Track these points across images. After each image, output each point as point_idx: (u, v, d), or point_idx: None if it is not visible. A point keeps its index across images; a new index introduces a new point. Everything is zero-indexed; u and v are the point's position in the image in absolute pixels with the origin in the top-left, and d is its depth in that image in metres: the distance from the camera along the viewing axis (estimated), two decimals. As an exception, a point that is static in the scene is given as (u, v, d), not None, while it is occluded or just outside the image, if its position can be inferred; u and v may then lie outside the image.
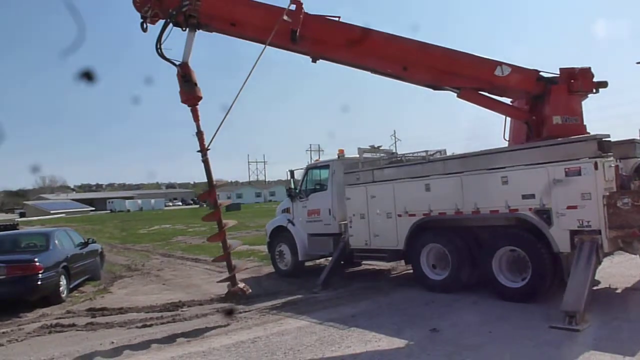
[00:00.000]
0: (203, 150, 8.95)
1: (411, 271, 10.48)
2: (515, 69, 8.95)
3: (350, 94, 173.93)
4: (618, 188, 7.69)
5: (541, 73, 9.01)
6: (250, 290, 9.28)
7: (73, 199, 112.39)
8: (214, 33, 9.77)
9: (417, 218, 9.77)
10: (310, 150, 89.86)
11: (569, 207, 7.62)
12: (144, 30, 9.46)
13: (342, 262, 11.86)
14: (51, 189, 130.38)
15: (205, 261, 16.54)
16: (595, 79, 8.89)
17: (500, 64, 8.92)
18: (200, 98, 9.11)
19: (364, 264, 13.16)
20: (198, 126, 8.98)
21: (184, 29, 9.31)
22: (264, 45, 8.85)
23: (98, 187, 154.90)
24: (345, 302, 9.38)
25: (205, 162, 9.00)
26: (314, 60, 9.56)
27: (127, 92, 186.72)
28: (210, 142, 8.92)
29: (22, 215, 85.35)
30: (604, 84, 8.93)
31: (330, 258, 11.68)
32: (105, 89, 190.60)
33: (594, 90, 8.90)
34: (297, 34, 8.79)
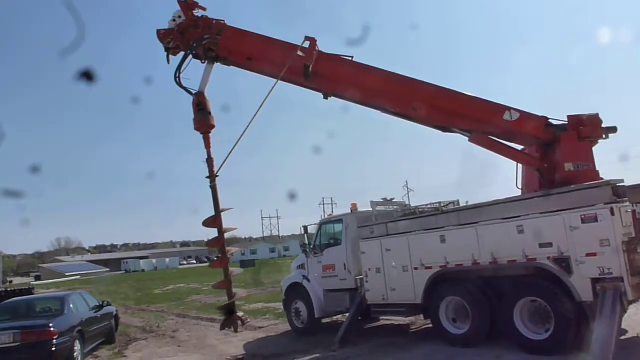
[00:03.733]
0: (212, 177, 9.22)
1: (431, 326, 10.23)
2: (524, 114, 9.03)
3: (359, 146, 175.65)
4: (637, 233, 7.58)
5: (550, 120, 9.08)
6: (249, 321, 9.21)
7: (88, 261, 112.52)
8: (231, 67, 10.27)
9: (433, 271, 9.62)
10: (324, 204, 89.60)
11: (588, 255, 7.49)
12: (168, 62, 10.07)
13: (359, 318, 11.62)
14: (67, 251, 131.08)
15: (221, 320, 16.26)
16: (604, 125, 8.93)
17: (509, 109, 9.01)
18: (213, 126, 9.51)
19: (382, 319, 12.87)
20: (209, 153, 9.32)
21: (203, 61, 9.89)
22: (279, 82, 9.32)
23: (113, 248, 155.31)
24: (365, 360, 9.13)
25: (213, 188, 9.23)
26: (325, 97, 9.86)
27: (142, 151, 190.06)
28: (219, 169, 9.27)
29: (37, 278, 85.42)
30: (613, 130, 8.95)
31: (347, 314, 11.46)
32: (118, 148, 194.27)
33: (604, 136, 8.92)
34: (310, 70, 9.18)
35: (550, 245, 7.91)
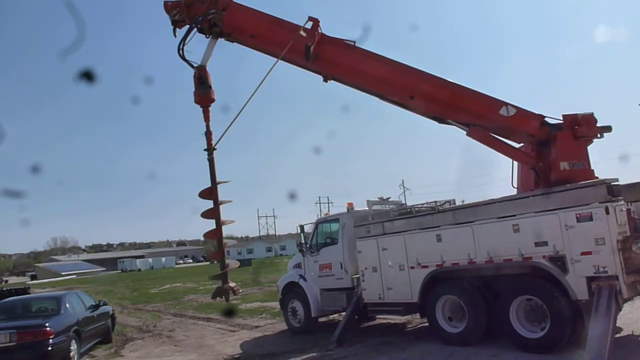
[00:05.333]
0: (210, 149, 9.30)
1: (427, 324, 10.26)
2: (521, 111, 9.05)
3: (355, 145, 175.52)
4: (632, 232, 7.62)
5: (546, 119, 9.10)
6: (241, 290, 9.25)
7: (84, 260, 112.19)
8: (234, 43, 10.43)
9: (430, 269, 9.64)
10: (320, 203, 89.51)
11: (583, 253, 7.53)
12: (175, 35, 10.23)
13: (356, 317, 11.64)
14: (63, 250, 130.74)
15: (217, 320, 16.31)
16: (598, 124, 8.96)
17: (506, 104, 9.03)
18: (213, 100, 9.65)
19: (379, 318, 12.90)
20: (208, 126, 9.45)
21: (207, 36, 10.10)
22: (282, 62, 9.58)
23: (109, 247, 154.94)
24: (361, 359, 9.13)
25: (211, 160, 9.31)
26: (325, 80, 9.98)
27: (138, 151, 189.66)
28: (217, 142, 9.33)
29: (33, 277, 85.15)
30: (607, 129, 8.99)
31: (344, 313, 11.48)
32: (114, 147, 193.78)
33: (599, 135, 8.96)
34: (311, 51, 9.32)
35: (545, 244, 7.95)
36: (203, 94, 9.60)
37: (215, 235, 9.15)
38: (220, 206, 9.18)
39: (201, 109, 9.56)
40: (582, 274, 7.54)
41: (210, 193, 9.25)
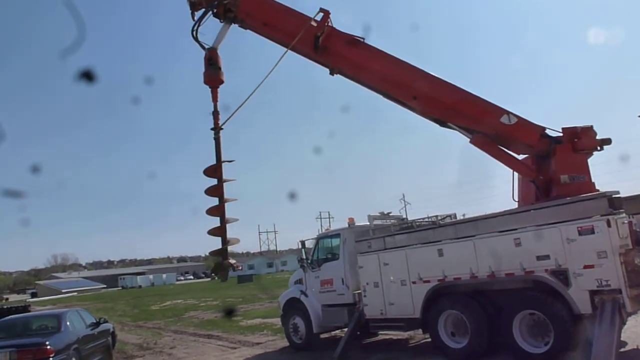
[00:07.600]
0: (217, 129, 9.37)
1: (430, 340, 10.18)
2: (522, 120, 9.05)
3: (355, 161, 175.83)
4: (634, 244, 7.59)
5: (546, 131, 9.10)
6: (241, 267, 9.29)
7: (84, 277, 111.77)
8: (247, 30, 10.71)
9: (432, 284, 9.59)
10: (320, 218, 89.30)
11: (585, 267, 7.49)
12: (193, 18, 10.51)
13: (358, 333, 11.55)
14: (63, 268, 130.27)
15: (218, 337, 16.18)
16: (598, 137, 8.97)
17: (508, 113, 9.04)
18: (222, 82, 9.84)
19: (381, 334, 12.79)
20: (215, 106, 9.57)
21: (221, 20, 10.41)
22: (293, 53, 9.87)
23: (109, 264, 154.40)
24: (364, 375, 9.06)
25: (217, 140, 9.39)
26: (331, 73, 10.19)
27: (137, 166, 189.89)
28: (225, 122, 9.41)
29: (33, 295, 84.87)
30: (607, 141, 8.99)
31: (345, 329, 11.40)
32: (115, 164, 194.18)
33: (598, 148, 8.96)
34: (320, 42, 9.59)
35: (547, 257, 7.91)
36: (212, 74, 9.84)
37: (217, 212, 9.22)
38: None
39: (210, 90, 9.71)
40: (584, 288, 7.49)
41: (214, 171, 9.34)
